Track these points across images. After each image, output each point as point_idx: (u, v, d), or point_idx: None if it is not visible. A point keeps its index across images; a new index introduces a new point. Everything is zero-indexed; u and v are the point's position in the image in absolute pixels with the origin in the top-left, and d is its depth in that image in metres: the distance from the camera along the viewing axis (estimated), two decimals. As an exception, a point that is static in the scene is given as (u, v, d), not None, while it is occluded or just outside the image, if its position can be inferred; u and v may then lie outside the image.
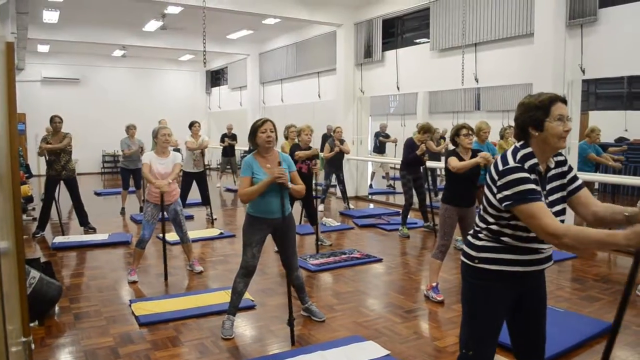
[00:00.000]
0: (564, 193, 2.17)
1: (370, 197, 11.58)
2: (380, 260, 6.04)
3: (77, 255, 6.33)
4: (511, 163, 2.06)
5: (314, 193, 6.56)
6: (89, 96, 16.97)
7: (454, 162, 4.67)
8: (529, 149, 2.10)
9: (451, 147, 4.93)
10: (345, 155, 9.29)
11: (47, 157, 7.08)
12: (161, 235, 5.31)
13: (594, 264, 5.86)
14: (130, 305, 4.44)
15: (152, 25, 12.15)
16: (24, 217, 8.35)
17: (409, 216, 7.49)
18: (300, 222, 7.71)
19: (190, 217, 8.52)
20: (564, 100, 2.09)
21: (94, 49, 15.52)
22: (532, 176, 2.04)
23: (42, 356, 3.51)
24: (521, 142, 2.15)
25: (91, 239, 6.93)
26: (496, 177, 2.08)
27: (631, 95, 12.26)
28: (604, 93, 12.75)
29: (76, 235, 7.22)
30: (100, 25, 12.53)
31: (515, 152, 2.11)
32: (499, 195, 2.06)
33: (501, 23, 7.93)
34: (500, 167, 2.07)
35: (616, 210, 2.00)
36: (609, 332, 1.90)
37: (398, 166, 11.55)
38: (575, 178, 2.18)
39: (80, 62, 16.69)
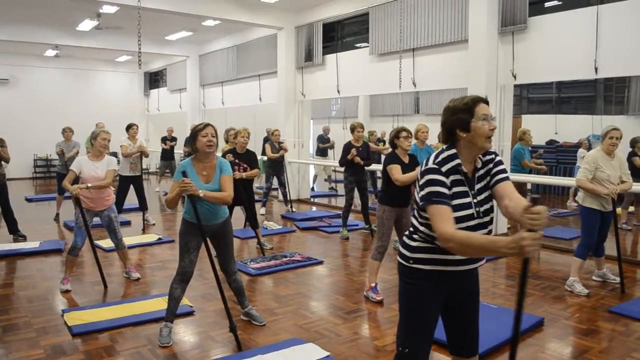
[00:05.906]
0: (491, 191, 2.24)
1: (312, 199, 11.63)
2: (321, 263, 6.07)
3: (5, 265, 6.02)
4: (430, 164, 2.14)
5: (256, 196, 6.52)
6: (19, 98, 16.23)
7: (398, 174, 4.71)
8: (453, 151, 2.17)
9: (390, 149, 5.04)
10: (285, 157, 9.34)
11: None
12: (96, 242, 5.13)
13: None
14: (62, 316, 4.27)
15: (87, 24, 11.75)
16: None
17: (349, 218, 7.58)
18: (244, 226, 7.64)
19: (126, 223, 8.29)
20: (486, 101, 2.18)
21: (24, 48, 14.88)
22: (452, 177, 2.11)
23: (-35, 372, 3.33)
24: (447, 145, 2.22)
25: (21, 247, 6.61)
26: (419, 177, 2.17)
27: (560, 99, 12.90)
28: (535, 97, 13.36)
29: (4, 244, 6.85)
30: (30, 23, 12.03)
31: (439, 153, 2.19)
32: (419, 195, 2.16)
33: (437, 29, 8.15)
34: (422, 168, 2.17)
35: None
36: (510, 340, 2.03)
37: (340, 169, 11.66)
38: (499, 172, 2.19)
39: (9, 62, 15.95)
